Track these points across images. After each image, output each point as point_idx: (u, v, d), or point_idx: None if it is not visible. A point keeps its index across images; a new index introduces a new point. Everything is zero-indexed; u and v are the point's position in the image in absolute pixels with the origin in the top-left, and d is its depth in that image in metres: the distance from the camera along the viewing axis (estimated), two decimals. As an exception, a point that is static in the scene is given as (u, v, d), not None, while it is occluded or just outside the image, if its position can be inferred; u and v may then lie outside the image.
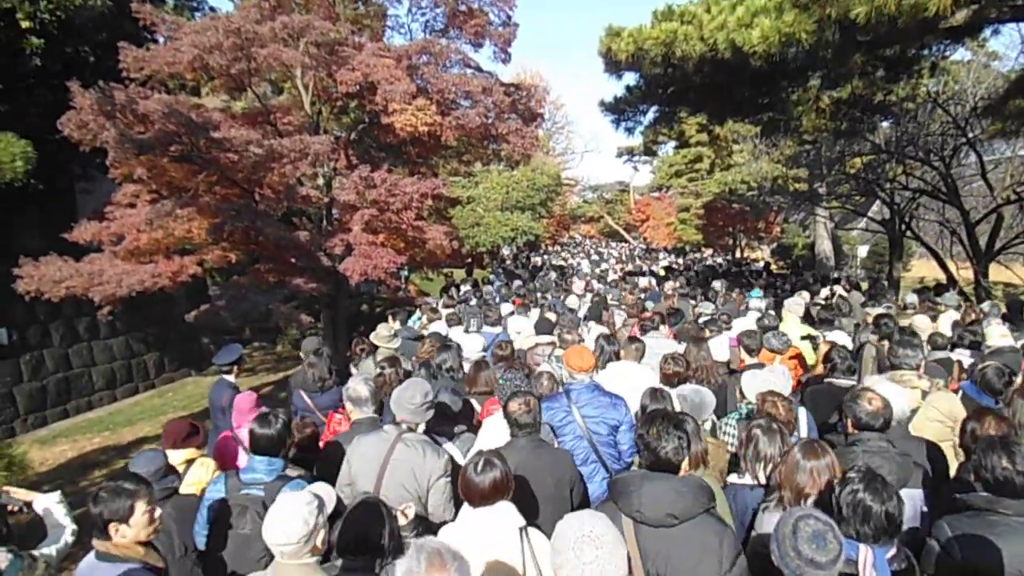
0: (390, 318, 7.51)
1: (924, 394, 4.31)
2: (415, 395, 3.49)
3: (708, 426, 4.20)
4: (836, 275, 17.51)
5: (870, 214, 21.77)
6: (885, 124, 16.28)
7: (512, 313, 8.98)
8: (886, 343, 5.44)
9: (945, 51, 11.68)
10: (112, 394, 13.07)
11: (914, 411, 4.09)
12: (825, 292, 11.89)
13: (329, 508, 2.65)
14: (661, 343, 6.20)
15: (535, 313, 8.85)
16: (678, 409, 3.93)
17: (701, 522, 2.48)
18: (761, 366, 5.09)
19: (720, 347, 6.05)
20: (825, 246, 24.95)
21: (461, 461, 3.59)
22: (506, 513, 2.66)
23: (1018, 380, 4.50)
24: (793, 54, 7.98)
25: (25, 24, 9.09)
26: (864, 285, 14.44)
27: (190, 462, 3.83)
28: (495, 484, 2.65)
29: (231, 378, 5.82)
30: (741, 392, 4.29)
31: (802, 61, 9.44)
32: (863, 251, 30.38)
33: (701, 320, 8.16)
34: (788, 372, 4.72)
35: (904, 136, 16.12)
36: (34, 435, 10.13)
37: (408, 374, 5.19)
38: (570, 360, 4.26)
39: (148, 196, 9.74)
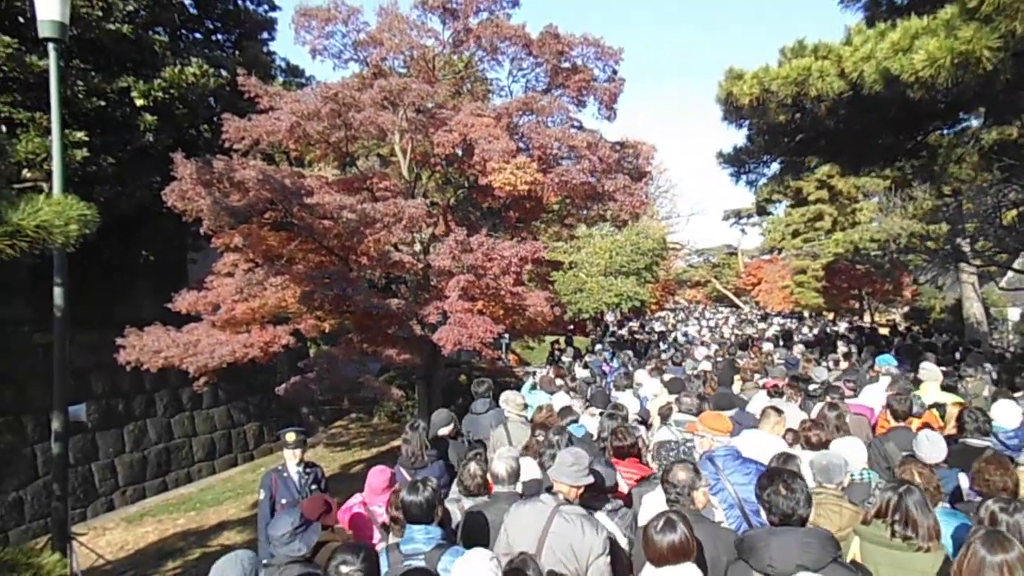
0: (473, 386, 7.09)
1: None
2: (569, 457, 3.53)
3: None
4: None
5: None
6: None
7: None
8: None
9: None
10: (211, 465, 12.93)
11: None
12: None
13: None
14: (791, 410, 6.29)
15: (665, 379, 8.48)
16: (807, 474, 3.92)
17: (831, 572, 2.50)
18: (908, 431, 5.11)
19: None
20: (975, 309, 21.92)
21: (620, 538, 3.61)
22: (691, 574, 2.64)
23: None
24: (950, 85, 6.71)
25: (140, 102, 9.36)
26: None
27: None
28: (678, 544, 2.64)
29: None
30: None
31: (958, 94, 8.10)
32: (1015, 314, 26.76)
33: (813, 387, 7.79)
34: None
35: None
36: (124, 512, 9.93)
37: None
38: (708, 424, 4.38)
39: (245, 264, 9.63)
